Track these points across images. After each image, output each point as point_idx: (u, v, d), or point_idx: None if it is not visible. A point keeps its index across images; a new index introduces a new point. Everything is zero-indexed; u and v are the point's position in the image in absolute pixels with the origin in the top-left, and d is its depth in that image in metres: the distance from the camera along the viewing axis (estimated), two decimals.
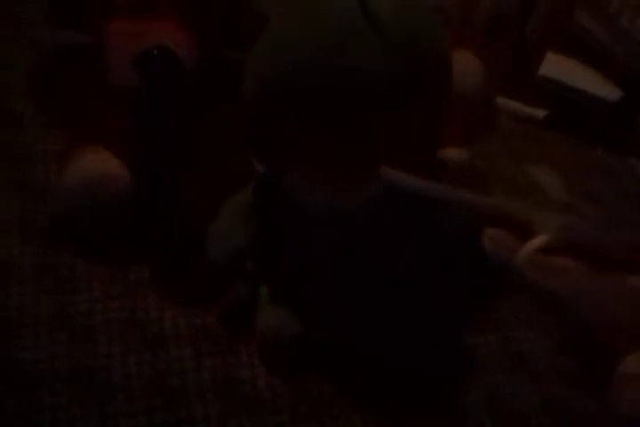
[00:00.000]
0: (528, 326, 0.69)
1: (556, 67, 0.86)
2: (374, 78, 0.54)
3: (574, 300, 0.61)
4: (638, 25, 0.92)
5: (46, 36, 0.79)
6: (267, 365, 0.63)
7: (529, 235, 0.62)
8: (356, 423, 0.61)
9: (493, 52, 0.67)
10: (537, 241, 0.60)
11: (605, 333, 0.59)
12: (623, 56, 0.92)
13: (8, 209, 0.75)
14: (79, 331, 0.64)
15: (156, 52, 0.64)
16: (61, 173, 0.72)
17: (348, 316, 0.62)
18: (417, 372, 0.62)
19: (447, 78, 0.59)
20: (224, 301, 0.66)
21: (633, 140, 0.89)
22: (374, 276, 0.63)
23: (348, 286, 0.63)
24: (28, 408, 0.59)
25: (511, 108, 0.87)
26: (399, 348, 0.63)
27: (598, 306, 0.60)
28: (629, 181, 0.85)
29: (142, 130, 0.71)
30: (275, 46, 0.58)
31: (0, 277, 0.68)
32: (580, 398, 0.64)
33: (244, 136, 0.63)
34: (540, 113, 0.91)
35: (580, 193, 0.83)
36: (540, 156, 0.87)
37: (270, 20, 0.61)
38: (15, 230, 0.73)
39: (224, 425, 0.59)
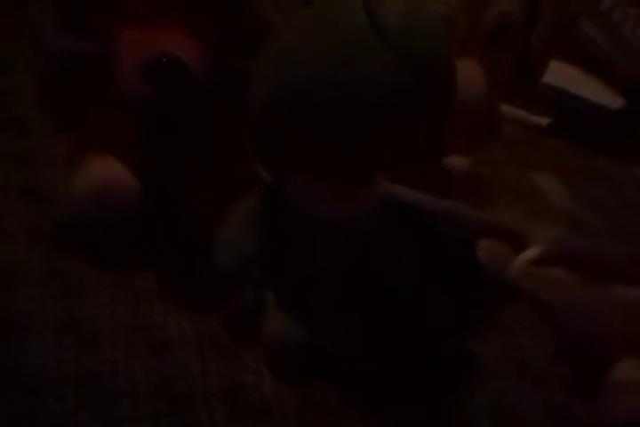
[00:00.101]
0: (532, 332, 0.69)
1: (560, 75, 0.87)
2: (381, 89, 0.55)
3: (567, 310, 0.61)
4: None
5: (55, 43, 0.80)
6: (272, 371, 0.63)
7: (523, 246, 0.62)
8: None
9: (497, 60, 0.67)
10: (530, 253, 0.61)
11: (597, 342, 0.59)
12: (625, 65, 0.93)
13: (14, 214, 0.75)
14: (85, 336, 0.65)
15: (164, 60, 0.64)
16: (68, 179, 0.73)
17: (351, 323, 0.62)
18: (421, 379, 0.62)
19: (452, 87, 0.60)
20: (230, 306, 0.66)
21: (635, 148, 0.90)
22: (377, 284, 0.63)
23: (351, 294, 0.63)
24: (35, 413, 0.59)
25: (515, 115, 0.88)
26: (403, 355, 0.63)
27: (590, 317, 0.60)
28: (632, 188, 0.86)
29: (150, 137, 0.72)
30: (282, 56, 0.59)
31: (7, 281, 0.69)
32: (582, 405, 0.64)
33: (249, 144, 0.63)
34: (544, 121, 0.91)
35: (583, 201, 0.83)
36: (544, 163, 0.87)
37: (278, 29, 0.61)
38: (22, 235, 0.73)
39: None
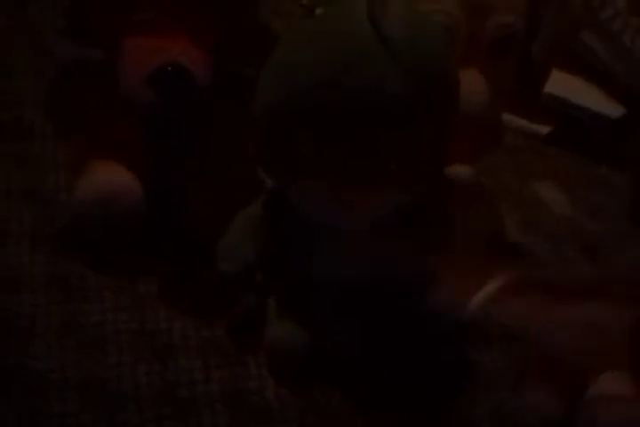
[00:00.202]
0: None
1: (561, 84, 0.87)
2: (385, 98, 0.55)
3: (541, 334, 0.61)
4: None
5: (59, 49, 0.81)
6: (275, 376, 0.64)
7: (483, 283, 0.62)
8: None
9: (499, 70, 0.68)
10: (491, 286, 0.60)
11: (574, 360, 0.59)
12: (625, 74, 0.93)
13: (19, 218, 0.76)
14: (89, 340, 0.65)
15: (170, 69, 0.65)
16: (73, 184, 0.73)
17: (352, 328, 0.63)
18: (421, 385, 0.63)
19: (455, 97, 0.60)
20: (232, 312, 0.66)
21: (635, 156, 0.90)
22: (378, 289, 0.64)
23: (352, 299, 0.63)
24: (39, 416, 0.60)
25: (516, 124, 0.88)
26: (403, 361, 0.63)
27: (563, 337, 0.60)
28: None
29: (154, 143, 0.72)
30: (286, 65, 0.59)
31: (11, 285, 0.69)
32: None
33: (251, 149, 0.64)
34: (545, 129, 0.92)
35: (584, 208, 0.84)
36: (545, 171, 0.88)
37: (282, 37, 0.62)
38: (25, 239, 0.74)
39: None
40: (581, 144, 0.91)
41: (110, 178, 0.71)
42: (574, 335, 0.56)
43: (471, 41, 0.66)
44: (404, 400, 0.63)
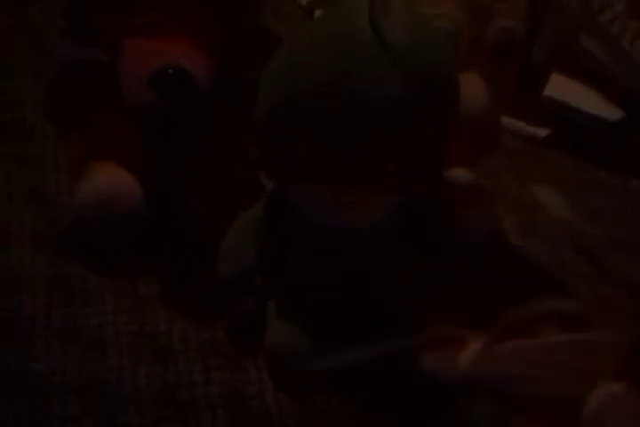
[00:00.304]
0: None
1: (561, 88, 0.87)
2: (386, 102, 0.55)
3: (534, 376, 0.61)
4: (638, 48, 0.94)
5: (60, 50, 0.80)
6: (275, 380, 0.64)
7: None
8: None
9: (500, 74, 0.68)
10: (473, 345, 0.60)
11: (565, 383, 0.59)
12: (624, 77, 0.94)
13: (20, 220, 0.76)
14: (90, 343, 0.65)
15: (170, 71, 0.65)
16: (73, 186, 0.73)
17: (354, 331, 0.63)
18: (422, 387, 0.63)
19: (455, 100, 0.60)
20: (232, 315, 0.67)
21: (634, 160, 0.90)
22: (380, 292, 0.64)
23: (354, 302, 0.64)
24: (39, 418, 0.60)
25: (515, 127, 0.88)
26: (404, 364, 0.63)
27: (552, 361, 0.60)
28: (631, 201, 0.86)
29: (154, 143, 0.72)
30: (287, 67, 0.59)
31: (11, 287, 0.69)
32: None
33: (252, 152, 0.64)
34: (543, 132, 0.92)
35: (582, 211, 0.84)
36: (543, 174, 0.88)
37: (283, 40, 0.62)
38: (26, 241, 0.74)
39: None
40: (580, 147, 0.91)
41: (111, 180, 0.71)
42: (561, 359, 0.56)
43: (472, 45, 0.66)
44: (404, 403, 0.63)
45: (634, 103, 0.93)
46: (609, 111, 0.92)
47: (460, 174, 0.69)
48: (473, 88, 0.65)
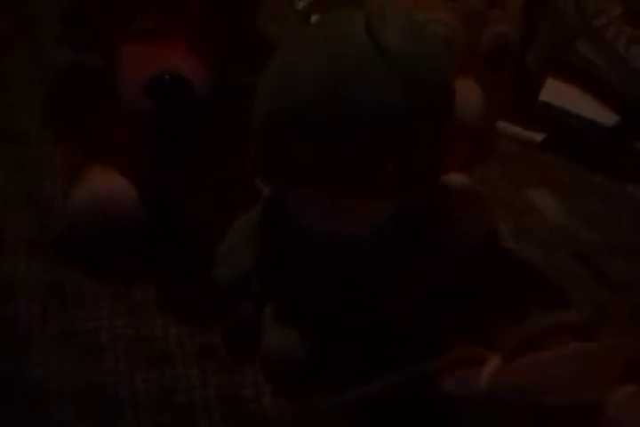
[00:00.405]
0: None
1: (556, 93, 0.87)
2: (383, 108, 0.55)
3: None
4: (633, 53, 0.94)
5: (58, 55, 0.81)
6: (271, 384, 0.64)
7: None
8: None
9: (495, 79, 0.68)
10: (492, 362, 0.60)
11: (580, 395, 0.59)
12: (619, 82, 0.94)
13: (15, 225, 0.76)
14: (86, 348, 0.66)
15: (167, 77, 0.65)
16: (69, 191, 0.73)
17: (351, 337, 0.63)
18: (420, 393, 0.63)
19: (451, 106, 0.61)
20: (229, 320, 0.67)
21: (630, 164, 0.91)
22: (377, 298, 0.64)
23: (351, 308, 0.64)
24: (38, 423, 0.60)
25: (511, 132, 0.89)
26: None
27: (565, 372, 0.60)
28: (627, 205, 0.86)
29: (153, 147, 0.72)
30: (284, 74, 0.59)
31: (7, 293, 0.69)
32: None
33: (249, 158, 0.64)
34: (539, 137, 0.92)
35: (578, 215, 0.84)
36: (539, 179, 0.88)
37: (279, 46, 0.62)
38: (21, 246, 0.74)
39: None
40: (576, 152, 0.91)
41: (106, 185, 0.71)
42: (576, 368, 0.57)
43: (467, 51, 0.66)
44: (401, 409, 0.63)
45: (629, 108, 0.93)
46: (605, 116, 0.93)
47: (456, 179, 0.69)
48: (468, 94, 0.66)
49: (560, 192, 0.86)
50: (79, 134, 0.76)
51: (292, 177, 0.60)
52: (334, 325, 0.63)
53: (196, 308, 0.69)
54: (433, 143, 0.60)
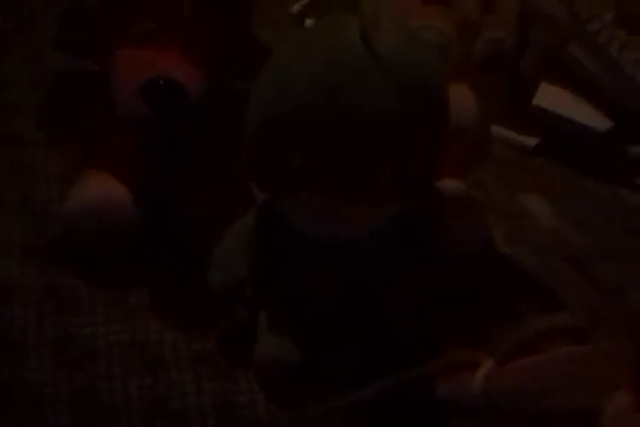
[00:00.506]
0: None
1: (549, 97, 0.88)
2: (379, 114, 0.56)
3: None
4: (626, 58, 0.94)
5: (54, 60, 0.81)
6: (265, 391, 0.64)
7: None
8: None
9: (489, 85, 0.68)
10: (486, 366, 0.61)
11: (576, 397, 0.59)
12: (612, 87, 0.94)
13: (9, 230, 0.76)
14: (81, 353, 0.66)
15: (162, 82, 0.65)
16: (64, 195, 0.73)
17: (349, 342, 0.63)
18: (418, 400, 0.63)
19: (446, 112, 0.61)
20: (223, 326, 0.67)
21: (623, 169, 0.91)
22: (375, 303, 0.64)
23: (349, 313, 0.64)
24: None
25: (504, 136, 0.89)
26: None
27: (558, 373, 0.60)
28: (619, 210, 0.87)
29: (149, 151, 0.72)
30: (278, 80, 0.59)
31: (2, 297, 0.69)
32: None
33: (244, 165, 0.64)
34: (532, 141, 0.92)
35: (570, 220, 0.84)
36: (532, 183, 0.88)
37: (273, 50, 0.62)
38: (16, 251, 0.74)
39: None
40: (569, 156, 0.91)
41: (102, 189, 0.71)
42: (570, 372, 0.57)
43: (462, 57, 0.66)
44: (399, 415, 0.63)
45: (622, 113, 0.93)
46: (597, 121, 0.93)
47: (451, 185, 0.69)
48: (462, 99, 0.66)
49: (552, 196, 0.86)
50: (75, 138, 0.76)
51: (286, 183, 0.60)
52: (333, 327, 0.63)
53: (191, 314, 0.69)
54: (429, 146, 0.60)
